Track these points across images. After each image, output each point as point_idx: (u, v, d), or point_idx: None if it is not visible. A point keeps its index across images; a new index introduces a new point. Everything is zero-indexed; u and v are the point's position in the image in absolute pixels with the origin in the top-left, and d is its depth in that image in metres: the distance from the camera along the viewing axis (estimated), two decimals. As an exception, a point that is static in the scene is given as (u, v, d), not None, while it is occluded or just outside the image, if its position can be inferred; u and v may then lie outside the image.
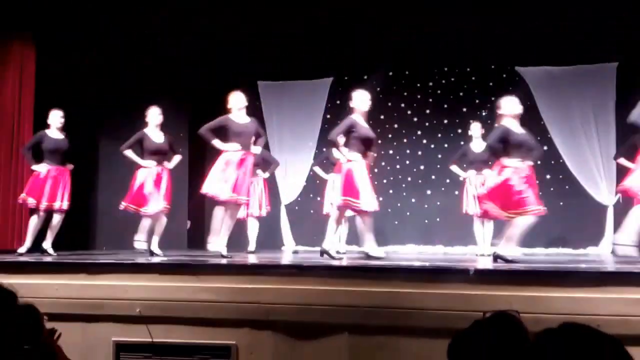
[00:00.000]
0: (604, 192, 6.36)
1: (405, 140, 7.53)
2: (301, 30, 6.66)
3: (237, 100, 5.08)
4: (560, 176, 6.66)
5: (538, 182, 6.91)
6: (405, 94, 7.56)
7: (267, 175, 6.32)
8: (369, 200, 4.70)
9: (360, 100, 4.90)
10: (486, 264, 4.45)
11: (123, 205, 5.30)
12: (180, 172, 7.05)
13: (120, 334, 3.92)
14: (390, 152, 7.52)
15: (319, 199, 7.27)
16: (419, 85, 7.49)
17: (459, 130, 7.08)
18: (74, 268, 4.26)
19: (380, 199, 7.42)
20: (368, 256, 4.71)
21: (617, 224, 6.18)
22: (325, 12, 6.32)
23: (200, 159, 6.89)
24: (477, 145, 6.14)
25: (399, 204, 7.35)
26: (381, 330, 3.57)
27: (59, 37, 6.28)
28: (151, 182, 5.29)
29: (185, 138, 7.12)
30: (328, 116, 7.47)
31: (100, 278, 4.08)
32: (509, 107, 4.47)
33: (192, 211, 7.31)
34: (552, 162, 6.66)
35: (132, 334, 3.90)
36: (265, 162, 6.26)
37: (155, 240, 5.26)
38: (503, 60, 6.78)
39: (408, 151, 7.56)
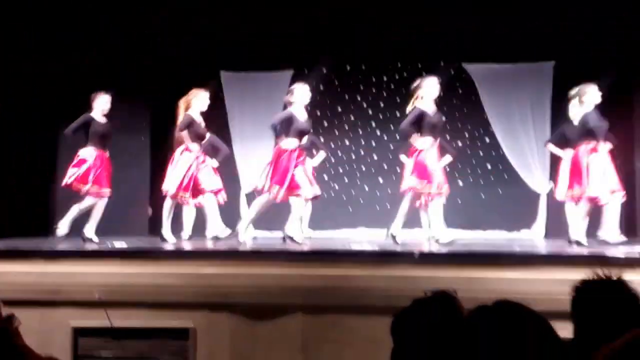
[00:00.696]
0: (538, 181, 6.65)
1: (360, 132, 7.61)
2: (264, 23, 6.62)
3: (303, 95, 4.96)
4: (500, 166, 6.92)
5: (479, 171, 7.23)
6: (361, 87, 7.63)
7: (216, 164, 6.13)
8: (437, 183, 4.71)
9: (428, 89, 4.94)
10: (430, 247, 4.59)
11: (172, 191, 5.10)
12: (142, 158, 6.95)
13: (79, 319, 3.86)
14: (347, 142, 7.59)
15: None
16: (374, 79, 7.57)
17: (410, 123, 7.22)
18: (32, 254, 4.15)
19: (336, 186, 7.54)
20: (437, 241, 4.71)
21: (550, 210, 6.51)
22: (286, 6, 6.31)
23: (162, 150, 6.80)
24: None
25: (353, 192, 7.46)
26: (333, 309, 3.66)
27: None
28: (195, 166, 5.16)
29: (147, 131, 7.00)
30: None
31: (59, 264, 4.00)
32: (593, 95, 4.72)
33: (153, 198, 7.21)
34: (493, 153, 6.90)
35: (91, 318, 3.84)
36: (214, 149, 6.14)
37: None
38: (451, 57, 6.93)
39: (362, 142, 7.64)
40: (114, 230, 5.72)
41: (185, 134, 5.16)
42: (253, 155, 7.22)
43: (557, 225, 6.29)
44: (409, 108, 5.11)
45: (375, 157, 7.55)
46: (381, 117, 7.59)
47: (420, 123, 4.80)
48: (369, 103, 7.57)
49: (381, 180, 7.50)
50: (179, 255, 4.04)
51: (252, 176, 7.35)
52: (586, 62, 6.06)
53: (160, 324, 3.80)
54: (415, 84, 5.06)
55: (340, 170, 7.47)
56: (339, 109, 7.43)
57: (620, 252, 3.66)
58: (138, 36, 6.43)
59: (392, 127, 7.48)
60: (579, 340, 1.51)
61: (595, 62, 6.03)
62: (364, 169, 7.55)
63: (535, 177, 6.63)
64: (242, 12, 6.32)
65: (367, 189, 7.48)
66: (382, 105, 7.63)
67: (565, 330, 1.50)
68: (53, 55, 6.05)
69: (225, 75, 7.24)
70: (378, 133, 7.54)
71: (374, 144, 7.57)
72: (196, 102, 5.29)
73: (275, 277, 3.74)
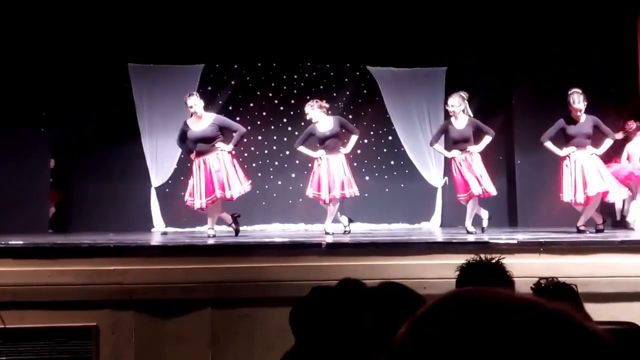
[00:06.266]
0: (434, 176, 7.06)
1: (272, 127, 7.58)
2: (176, 16, 6.39)
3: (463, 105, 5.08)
4: (402, 162, 7.26)
5: (384, 167, 7.52)
6: (273, 84, 7.59)
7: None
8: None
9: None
10: (336, 238, 4.67)
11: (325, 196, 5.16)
12: (41, 151, 6.41)
13: (-34, 323, 3.46)
14: (259, 138, 7.53)
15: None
16: (285, 77, 7.57)
17: (320, 120, 7.31)
18: None
19: (250, 181, 7.46)
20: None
21: (445, 203, 6.94)
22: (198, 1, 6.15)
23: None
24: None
25: (266, 186, 7.41)
26: (244, 302, 3.60)
27: None
28: (325, 169, 5.18)
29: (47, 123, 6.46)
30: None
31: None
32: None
33: (56, 196, 6.70)
34: (395, 150, 7.24)
35: (-21, 322, 3.46)
36: None
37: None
38: (356, 59, 7.17)
39: (275, 137, 7.61)
40: (10, 228, 5.24)
41: (302, 148, 5.60)
42: (163, 151, 6.92)
43: (451, 216, 6.72)
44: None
45: (288, 153, 7.56)
46: (292, 113, 7.60)
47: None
48: (280, 99, 7.56)
49: (293, 175, 7.52)
50: (77, 252, 3.75)
51: (162, 171, 7.05)
52: (473, 70, 6.60)
53: (59, 324, 3.51)
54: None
55: (254, 165, 7.39)
56: (251, 105, 7.36)
57: (502, 239, 3.96)
58: (45, 26, 6.03)
59: (303, 124, 7.53)
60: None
61: (480, 69, 6.59)
62: (276, 164, 7.53)
63: (431, 172, 7.02)
64: (152, 4, 6.07)
65: (280, 183, 7.47)
66: (293, 102, 7.65)
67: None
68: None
69: (133, 68, 6.88)
70: (290, 129, 7.55)
71: (285, 139, 7.56)
72: (308, 113, 5.60)
73: (184, 273, 3.60)
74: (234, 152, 5.29)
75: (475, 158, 5.05)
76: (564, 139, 4.92)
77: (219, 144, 5.01)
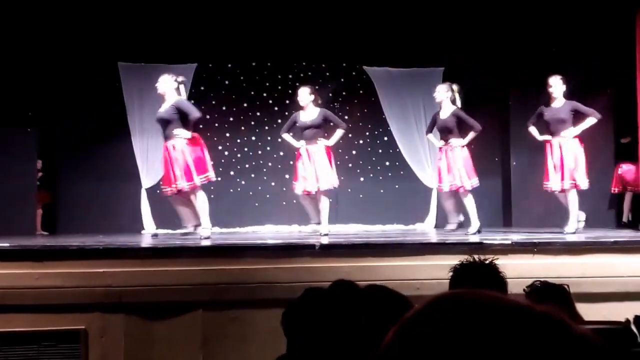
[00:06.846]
0: (429, 177, 7.08)
1: (266, 128, 7.57)
2: (168, 14, 6.38)
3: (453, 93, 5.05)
4: (397, 163, 7.28)
5: (379, 168, 7.52)
6: (267, 84, 7.59)
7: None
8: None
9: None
10: (329, 239, 4.67)
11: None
12: (28, 152, 6.36)
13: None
14: (253, 138, 7.52)
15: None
16: (280, 77, 7.57)
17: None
18: None
19: (243, 182, 7.44)
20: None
21: (440, 204, 6.96)
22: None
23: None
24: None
25: (259, 187, 7.40)
26: (236, 304, 3.60)
27: None
28: (304, 162, 5.06)
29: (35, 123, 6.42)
30: (192, 101, 7.20)
31: None
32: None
33: (44, 198, 6.67)
34: (391, 150, 7.25)
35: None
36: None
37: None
38: (353, 59, 7.18)
39: (269, 138, 7.62)
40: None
41: (287, 136, 5.44)
42: (154, 151, 6.88)
43: (446, 217, 6.73)
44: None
45: (282, 153, 7.56)
46: (287, 114, 7.59)
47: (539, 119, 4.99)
48: (275, 100, 7.56)
49: (287, 176, 7.51)
50: (66, 254, 3.72)
51: (152, 172, 7.01)
52: (470, 70, 6.62)
53: (47, 327, 3.49)
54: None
55: (247, 166, 7.38)
56: (245, 105, 7.34)
57: (496, 239, 3.98)
58: (32, 24, 5.99)
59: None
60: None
61: (478, 70, 6.61)
62: (270, 164, 7.52)
63: (427, 173, 7.04)
64: (144, 1, 6.06)
65: (273, 184, 7.47)
66: (287, 102, 7.64)
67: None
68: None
69: (123, 67, 6.85)
70: (284, 129, 7.56)
71: (279, 140, 7.55)
72: (299, 99, 5.33)
73: (175, 275, 3.59)
74: (202, 140, 4.88)
75: (457, 151, 5.01)
76: (544, 124, 4.95)
77: (177, 131, 4.60)
